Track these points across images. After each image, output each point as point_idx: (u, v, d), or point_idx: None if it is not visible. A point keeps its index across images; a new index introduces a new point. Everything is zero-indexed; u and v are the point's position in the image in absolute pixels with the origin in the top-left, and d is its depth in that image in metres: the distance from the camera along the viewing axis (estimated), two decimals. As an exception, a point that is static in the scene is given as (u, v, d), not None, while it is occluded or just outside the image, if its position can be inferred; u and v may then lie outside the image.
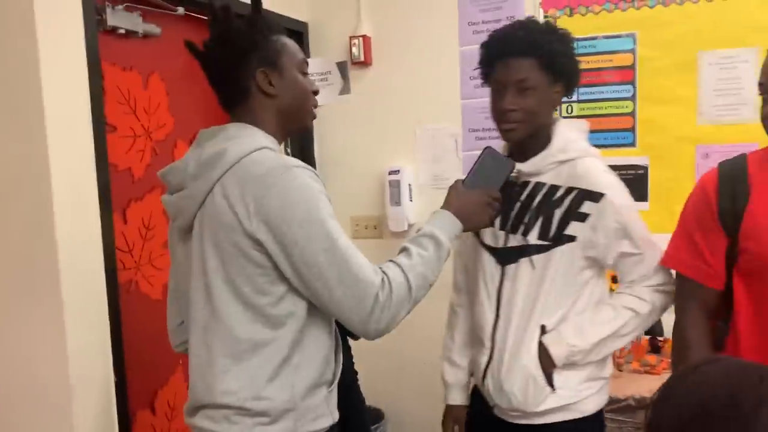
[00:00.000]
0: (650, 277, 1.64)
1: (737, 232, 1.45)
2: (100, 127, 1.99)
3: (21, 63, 1.80)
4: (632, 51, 2.71)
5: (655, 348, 2.54)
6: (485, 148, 1.61)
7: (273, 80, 1.40)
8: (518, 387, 1.62)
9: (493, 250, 1.68)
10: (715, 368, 0.81)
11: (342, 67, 3.14)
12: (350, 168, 3.17)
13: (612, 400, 2.17)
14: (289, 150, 3.18)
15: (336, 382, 1.43)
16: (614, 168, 2.74)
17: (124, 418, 2.05)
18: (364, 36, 3.07)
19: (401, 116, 3.11)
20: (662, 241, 2.65)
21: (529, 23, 1.68)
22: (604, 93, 2.76)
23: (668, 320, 2.55)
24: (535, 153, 1.65)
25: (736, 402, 0.74)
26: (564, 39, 1.64)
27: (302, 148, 3.19)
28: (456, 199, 1.51)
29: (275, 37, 1.42)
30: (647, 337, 2.58)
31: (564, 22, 2.78)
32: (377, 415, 3.18)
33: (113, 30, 2.16)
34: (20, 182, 1.84)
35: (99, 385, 1.96)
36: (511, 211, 1.65)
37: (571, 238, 1.59)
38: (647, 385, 2.25)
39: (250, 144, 1.33)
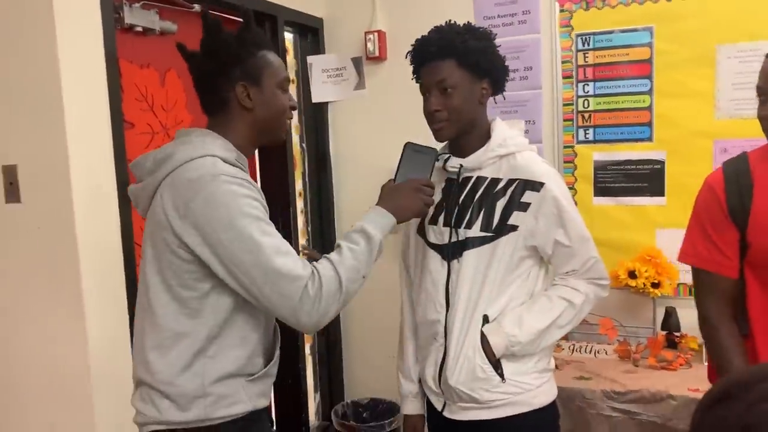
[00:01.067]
0: (584, 272, 1.68)
1: (746, 226, 1.54)
2: (118, 124, 2.01)
3: (41, 61, 1.82)
4: (649, 45, 2.68)
5: (671, 343, 2.53)
6: (406, 144, 1.68)
7: (251, 94, 1.46)
8: (463, 379, 1.65)
9: (438, 248, 1.72)
10: None
11: (357, 62, 3.15)
12: (365, 163, 3.18)
13: (625, 392, 2.18)
14: (304, 146, 3.20)
15: (261, 373, 1.47)
16: (631, 162, 2.78)
17: (143, 412, 2.07)
18: (378, 31, 3.08)
19: (416, 111, 3.07)
20: (678, 236, 2.66)
21: (446, 26, 1.76)
22: (621, 87, 2.74)
23: (684, 316, 2.57)
24: (474, 150, 1.71)
25: None
26: (481, 37, 1.70)
27: (317, 143, 3.21)
28: (387, 194, 1.57)
29: (261, 52, 1.48)
30: (664, 332, 2.57)
31: (580, 16, 2.77)
32: (394, 409, 3.20)
33: (130, 28, 2.18)
34: (40, 178, 1.87)
35: (119, 378, 1.98)
36: (455, 207, 1.70)
37: (514, 228, 1.64)
38: (663, 380, 2.25)
39: (197, 151, 1.39)
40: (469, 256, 1.66)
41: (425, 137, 3.06)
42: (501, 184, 1.67)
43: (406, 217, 1.56)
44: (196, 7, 2.42)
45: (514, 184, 1.65)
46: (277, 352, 1.55)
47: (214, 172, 1.35)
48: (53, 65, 1.81)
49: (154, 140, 2.30)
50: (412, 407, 1.86)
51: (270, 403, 1.58)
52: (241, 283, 1.35)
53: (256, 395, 1.47)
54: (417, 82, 1.79)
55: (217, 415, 1.41)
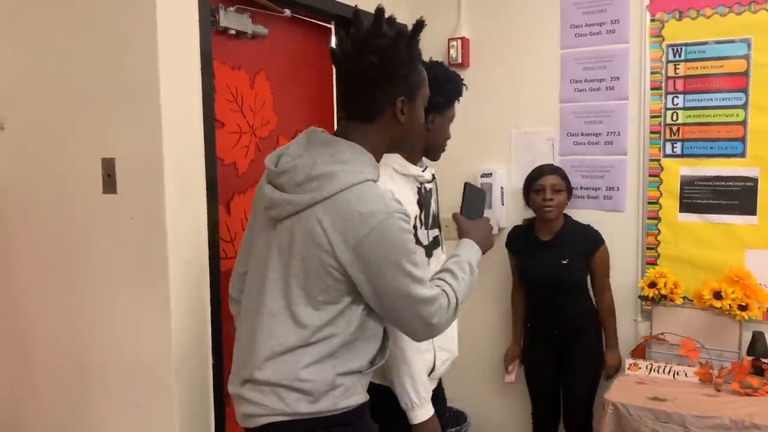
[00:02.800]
0: None
1: None
2: (210, 123, 2.09)
3: (141, 60, 1.91)
4: (746, 57, 2.58)
5: (758, 370, 2.41)
6: (466, 183, 1.85)
7: (405, 109, 1.50)
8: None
9: (424, 247, 1.86)
10: None
11: (440, 68, 3.15)
12: (442, 169, 3.12)
13: (705, 417, 2.09)
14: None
15: (372, 368, 1.57)
16: (720, 179, 2.68)
17: (219, 399, 2.15)
18: (462, 38, 3.08)
19: (497, 118, 3.09)
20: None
21: None
22: (713, 100, 2.64)
23: (774, 341, 2.44)
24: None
25: None
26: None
27: (397, 148, 3.23)
28: (473, 230, 1.72)
29: (420, 67, 1.52)
30: (750, 358, 2.46)
31: (673, 26, 2.69)
32: (461, 418, 3.19)
33: (224, 30, 2.27)
34: (136, 172, 1.96)
35: (198, 366, 2.06)
36: (430, 211, 1.91)
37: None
38: (747, 408, 2.15)
39: (358, 175, 1.43)
40: (438, 251, 1.92)
41: (504, 146, 3.05)
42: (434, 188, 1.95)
43: (485, 251, 1.73)
44: (287, 11, 2.49)
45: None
46: (386, 351, 1.64)
47: (387, 209, 1.42)
48: (152, 64, 1.90)
49: (242, 139, 2.39)
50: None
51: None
52: (384, 306, 1.47)
53: (364, 387, 1.58)
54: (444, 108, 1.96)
55: (342, 405, 1.50)
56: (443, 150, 1.97)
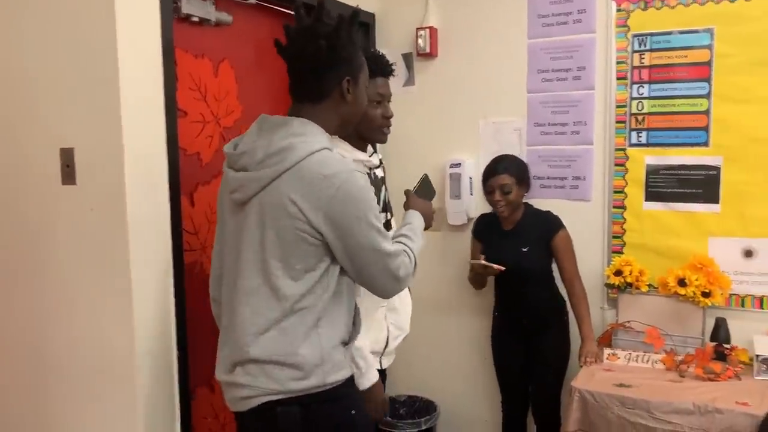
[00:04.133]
0: None
1: None
2: (172, 112, 2.05)
3: (99, 47, 1.86)
4: (709, 47, 2.61)
5: (720, 355, 2.45)
6: (425, 175, 2.08)
7: (350, 89, 1.63)
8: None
9: None
10: None
11: (407, 58, 3.15)
12: (411, 159, 3.17)
13: (669, 402, 2.12)
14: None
15: (352, 342, 1.68)
16: (684, 168, 2.71)
17: (184, 393, 2.12)
18: (430, 27, 3.07)
19: (465, 109, 3.09)
20: (732, 245, 2.58)
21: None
22: (677, 90, 2.67)
23: (735, 327, 2.49)
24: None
25: None
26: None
27: (365, 138, 3.21)
28: (422, 205, 1.91)
29: (360, 52, 1.66)
30: (713, 344, 2.49)
31: (637, 17, 2.71)
32: (431, 407, 3.19)
33: (187, 18, 2.22)
34: (95, 162, 1.91)
35: (162, 359, 2.03)
36: (380, 197, 2.04)
37: None
38: (709, 393, 2.18)
39: (314, 144, 1.53)
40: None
41: (473, 136, 3.05)
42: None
43: (427, 227, 1.92)
44: (252, -1, 2.45)
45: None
46: (359, 321, 1.74)
47: (348, 168, 1.53)
48: (112, 52, 1.85)
49: (205, 129, 2.34)
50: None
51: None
52: (355, 263, 1.56)
53: (349, 361, 1.67)
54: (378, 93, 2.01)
55: (330, 380, 1.57)
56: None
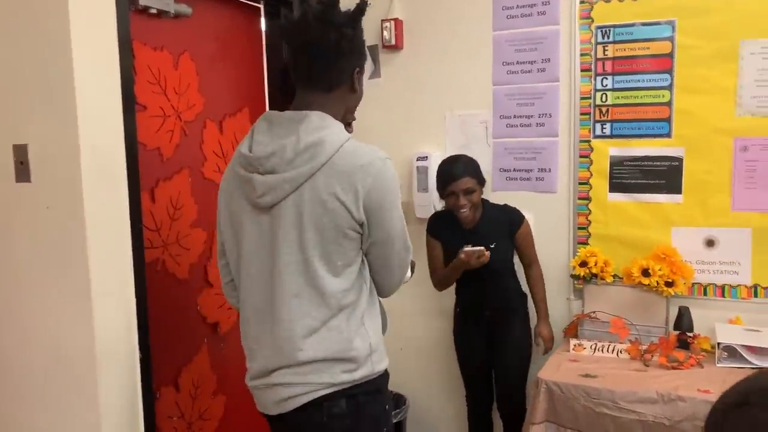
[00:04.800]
0: None
1: None
2: (130, 106, 2.00)
3: (53, 41, 1.81)
4: (671, 39, 2.63)
5: (683, 344, 2.49)
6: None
7: (359, 79, 1.62)
8: None
9: None
10: None
11: (372, 50, 3.12)
12: (378, 153, 3.16)
13: (633, 392, 2.14)
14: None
15: (386, 331, 1.69)
16: (648, 159, 2.73)
17: (148, 394, 2.08)
18: (395, 19, 3.04)
19: (431, 101, 3.08)
20: (694, 234, 2.62)
21: None
22: (640, 81, 2.69)
23: (698, 316, 2.52)
24: None
25: None
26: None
27: (331, 131, 3.18)
28: None
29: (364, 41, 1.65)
30: (675, 332, 2.53)
31: (601, 8, 2.72)
32: (400, 401, 3.19)
33: (145, 9, 2.17)
34: (50, 158, 1.86)
35: (124, 361, 1.99)
36: None
37: None
38: (672, 381, 2.21)
39: (341, 135, 1.52)
40: None
41: (439, 129, 3.04)
42: None
43: None
44: (212, -10, 2.40)
45: None
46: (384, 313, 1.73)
47: (381, 156, 1.52)
48: (65, 45, 1.79)
49: (166, 123, 2.29)
50: None
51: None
52: (380, 254, 1.57)
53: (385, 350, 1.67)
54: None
55: (376, 370, 1.58)
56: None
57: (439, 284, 2.79)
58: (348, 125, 2.02)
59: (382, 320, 1.68)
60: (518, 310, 2.73)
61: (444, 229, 2.75)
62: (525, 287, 2.77)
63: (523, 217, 2.70)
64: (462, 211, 2.60)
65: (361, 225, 1.51)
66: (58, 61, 1.81)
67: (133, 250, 2.01)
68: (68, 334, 1.91)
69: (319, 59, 1.55)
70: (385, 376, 1.63)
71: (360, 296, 1.57)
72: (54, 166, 1.87)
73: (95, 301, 1.87)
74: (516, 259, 2.76)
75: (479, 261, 2.51)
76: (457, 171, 2.60)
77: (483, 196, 2.71)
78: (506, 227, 2.68)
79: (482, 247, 2.51)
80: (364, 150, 1.51)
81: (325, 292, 1.51)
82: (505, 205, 2.75)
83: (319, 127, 1.50)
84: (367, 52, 1.70)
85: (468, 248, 2.51)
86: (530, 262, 2.74)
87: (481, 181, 2.66)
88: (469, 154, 2.74)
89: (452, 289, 2.82)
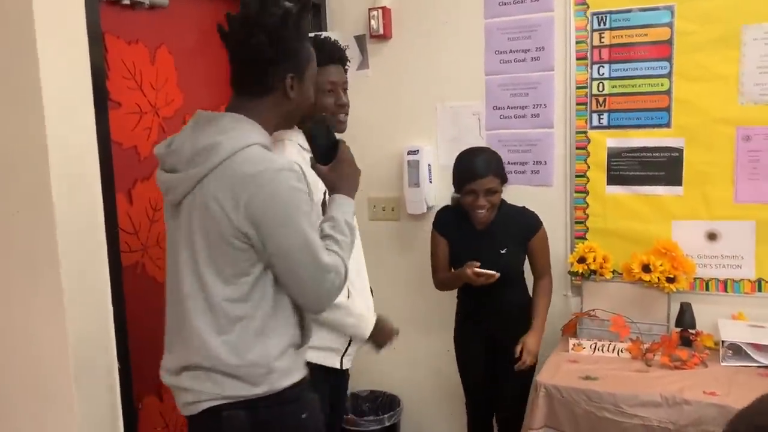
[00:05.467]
0: None
1: None
2: (102, 103, 1.89)
3: (15, 35, 1.69)
4: (669, 24, 2.53)
5: (686, 341, 2.40)
6: (305, 127, 1.71)
7: (294, 85, 1.52)
8: None
9: None
10: None
11: (360, 40, 3.01)
12: (367, 147, 3.03)
13: (636, 395, 2.05)
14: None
15: (305, 345, 1.60)
16: (647, 150, 2.64)
17: (129, 406, 1.98)
18: (383, 8, 2.93)
19: (421, 93, 2.97)
20: (695, 228, 2.53)
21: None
22: (638, 70, 2.59)
23: (700, 312, 2.44)
24: None
25: None
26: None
27: (318, 125, 3.07)
28: (338, 181, 1.64)
29: (308, 44, 1.56)
30: (678, 329, 2.45)
31: (596, -6, 2.61)
32: (394, 402, 3.11)
33: (117, 1, 2.05)
34: (16, 162, 1.75)
35: (102, 371, 1.89)
36: None
37: None
38: (677, 382, 2.12)
39: (242, 140, 1.43)
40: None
41: (430, 121, 2.94)
42: None
43: (356, 189, 1.69)
44: (189, -21, 2.28)
45: None
46: (308, 324, 1.64)
47: (276, 166, 1.42)
48: (29, 39, 1.67)
49: (143, 120, 2.18)
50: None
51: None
52: (282, 271, 1.46)
53: (302, 365, 1.60)
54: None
55: (281, 386, 1.51)
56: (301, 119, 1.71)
57: (441, 285, 2.62)
58: (337, 122, 1.95)
59: (301, 337, 1.58)
60: (523, 326, 2.46)
61: (452, 226, 2.56)
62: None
63: (541, 223, 2.51)
64: (479, 212, 2.41)
65: (246, 236, 1.42)
66: (22, 56, 1.70)
67: (109, 255, 1.90)
68: (41, 345, 1.80)
69: (243, 65, 1.51)
70: (296, 387, 1.55)
71: (256, 310, 1.48)
72: (21, 168, 1.76)
73: (69, 311, 1.77)
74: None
75: (486, 281, 2.34)
76: (480, 168, 2.39)
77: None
78: (521, 232, 2.49)
79: (493, 272, 2.32)
80: (259, 158, 1.42)
81: (212, 298, 1.46)
82: (524, 207, 2.54)
83: (224, 129, 1.45)
84: (310, 53, 1.56)
85: (477, 268, 2.33)
86: (542, 274, 2.54)
87: (504, 181, 2.46)
88: (462, 147, 2.57)
89: (454, 291, 2.67)
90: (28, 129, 1.72)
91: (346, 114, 1.99)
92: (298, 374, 1.56)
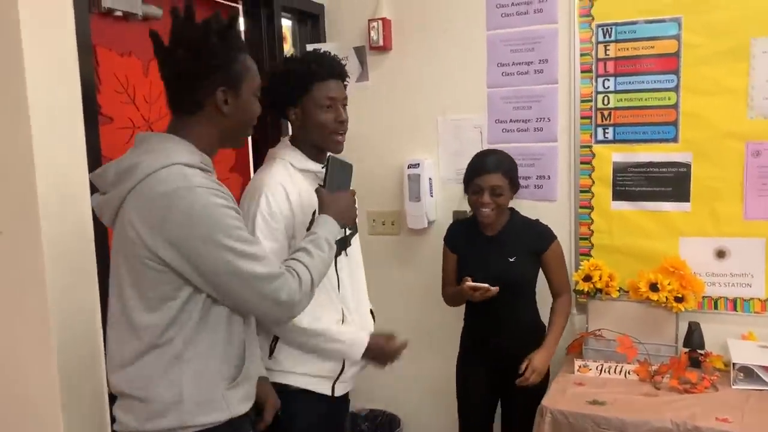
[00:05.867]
0: None
1: None
2: (93, 118, 1.82)
3: (1, 47, 1.63)
4: (677, 37, 2.47)
5: (695, 362, 2.33)
6: (330, 156, 1.79)
7: (229, 100, 1.46)
8: None
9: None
10: None
11: (359, 52, 2.96)
12: (366, 160, 2.98)
13: (646, 422, 1.98)
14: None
15: (240, 377, 1.48)
16: (653, 165, 2.58)
17: (118, 432, 1.90)
18: (383, 19, 2.87)
19: (422, 105, 2.91)
20: (703, 245, 2.46)
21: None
22: (645, 83, 2.53)
23: (709, 331, 2.37)
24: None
25: None
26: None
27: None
28: (333, 205, 1.69)
29: (242, 56, 1.48)
30: (686, 350, 2.37)
31: (601, 5, 2.56)
32: (394, 422, 3.03)
33: (109, 12, 1.99)
34: (3, 179, 1.68)
35: (92, 399, 1.81)
36: None
37: None
38: (687, 407, 2.05)
39: (162, 160, 1.37)
40: (353, 248, 1.99)
41: (431, 134, 2.87)
42: None
43: (346, 224, 1.74)
44: (184, -10, 2.22)
45: None
46: (256, 351, 1.60)
47: (189, 184, 1.35)
48: (15, 52, 1.61)
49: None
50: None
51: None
52: (218, 290, 1.40)
53: (238, 401, 1.48)
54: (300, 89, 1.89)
55: (195, 422, 1.42)
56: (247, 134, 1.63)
57: (448, 300, 2.54)
58: (334, 141, 1.89)
59: (234, 369, 1.48)
60: (531, 346, 2.34)
61: (461, 239, 2.48)
62: (544, 317, 2.48)
63: (554, 236, 2.43)
64: (483, 210, 2.33)
65: (163, 259, 1.35)
66: (8, 69, 1.63)
67: (99, 276, 1.83)
68: (27, 371, 1.73)
69: (169, 81, 1.47)
70: (216, 430, 1.44)
71: (176, 333, 1.40)
72: (6, 186, 1.69)
73: (55, 335, 1.70)
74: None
75: (483, 296, 2.24)
76: (489, 164, 2.34)
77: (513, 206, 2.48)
78: (532, 243, 2.40)
79: (487, 285, 2.22)
80: (174, 177, 1.36)
81: (134, 323, 1.40)
82: (537, 220, 2.47)
83: (147, 150, 1.41)
84: (247, 67, 1.50)
85: (469, 282, 2.24)
86: (559, 291, 2.44)
87: (514, 185, 2.38)
88: (464, 160, 2.49)
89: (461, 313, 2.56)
90: (14, 145, 1.66)
91: (345, 132, 1.92)
92: (223, 413, 1.44)
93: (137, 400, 1.42)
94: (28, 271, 1.68)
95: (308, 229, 1.80)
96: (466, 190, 2.42)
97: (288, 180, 1.83)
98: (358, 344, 1.87)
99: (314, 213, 1.81)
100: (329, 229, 1.62)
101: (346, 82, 1.96)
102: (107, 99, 2.00)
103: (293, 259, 1.51)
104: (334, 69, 1.89)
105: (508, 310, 2.36)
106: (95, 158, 1.82)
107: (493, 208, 2.33)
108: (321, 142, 1.89)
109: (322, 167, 1.81)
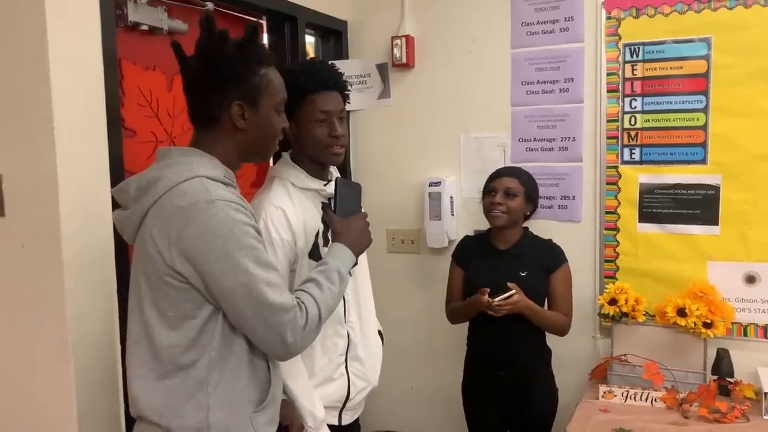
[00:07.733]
0: None
1: None
2: (117, 131, 1.80)
3: (29, 60, 1.62)
4: (706, 57, 2.43)
5: (724, 390, 2.27)
6: (337, 178, 1.72)
7: (246, 114, 1.42)
8: None
9: None
10: None
11: (382, 69, 2.94)
12: (387, 178, 2.96)
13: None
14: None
15: (267, 400, 1.44)
16: (681, 187, 2.52)
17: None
18: (407, 36, 2.86)
19: (445, 123, 2.88)
20: (733, 270, 2.40)
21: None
22: (673, 103, 2.49)
23: (738, 358, 2.30)
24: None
25: None
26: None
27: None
28: (346, 232, 1.61)
29: (263, 70, 1.43)
30: (715, 377, 2.31)
31: (629, 25, 2.52)
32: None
33: (135, 26, 1.99)
34: (24, 191, 1.66)
35: (108, 417, 1.78)
36: None
37: None
38: (718, 438, 1.99)
39: (184, 173, 1.35)
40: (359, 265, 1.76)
41: (453, 152, 2.84)
42: None
43: (361, 252, 1.64)
44: (210, 5, 2.21)
45: None
46: (279, 373, 1.53)
47: (209, 197, 1.31)
48: (43, 65, 1.60)
49: (158, 150, 2.10)
50: None
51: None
52: (229, 311, 1.35)
53: (264, 425, 1.44)
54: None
55: None
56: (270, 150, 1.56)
57: (451, 316, 2.48)
58: (332, 154, 1.80)
59: (260, 392, 1.43)
60: (539, 370, 2.33)
61: (470, 254, 2.44)
62: (550, 340, 2.42)
63: (565, 259, 2.37)
64: (494, 211, 2.29)
65: (181, 275, 1.31)
66: (34, 83, 1.62)
67: (118, 295, 1.80)
68: (44, 391, 1.70)
69: (186, 94, 1.45)
70: None
71: (201, 356, 1.35)
72: (30, 199, 1.67)
73: (74, 353, 1.67)
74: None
75: (500, 308, 2.18)
76: (506, 169, 2.43)
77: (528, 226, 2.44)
78: (544, 260, 2.34)
79: (507, 293, 2.18)
80: (195, 190, 1.32)
81: (155, 343, 1.36)
82: (550, 240, 2.42)
83: (169, 164, 1.38)
84: (267, 81, 1.45)
85: (498, 298, 2.17)
86: (563, 314, 2.34)
87: (531, 200, 2.35)
88: (485, 180, 2.43)
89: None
90: (38, 158, 1.64)
91: (342, 146, 1.84)
92: None
93: (160, 426, 1.37)
94: (49, 285, 1.66)
95: (311, 251, 1.77)
96: (483, 198, 2.39)
97: (288, 202, 1.76)
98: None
99: (317, 234, 1.77)
100: (341, 258, 1.54)
101: (346, 93, 1.87)
102: (131, 112, 1.99)
103: (304, 291, 1.43)
104: (326, 80, 1.81)
105: (514, 333, 2.27)
106: (118, 172, 1.81)
107: (505, 210, 2.30)
108: (318, 157, 1.82)
109: (325, 185, 1.78)
